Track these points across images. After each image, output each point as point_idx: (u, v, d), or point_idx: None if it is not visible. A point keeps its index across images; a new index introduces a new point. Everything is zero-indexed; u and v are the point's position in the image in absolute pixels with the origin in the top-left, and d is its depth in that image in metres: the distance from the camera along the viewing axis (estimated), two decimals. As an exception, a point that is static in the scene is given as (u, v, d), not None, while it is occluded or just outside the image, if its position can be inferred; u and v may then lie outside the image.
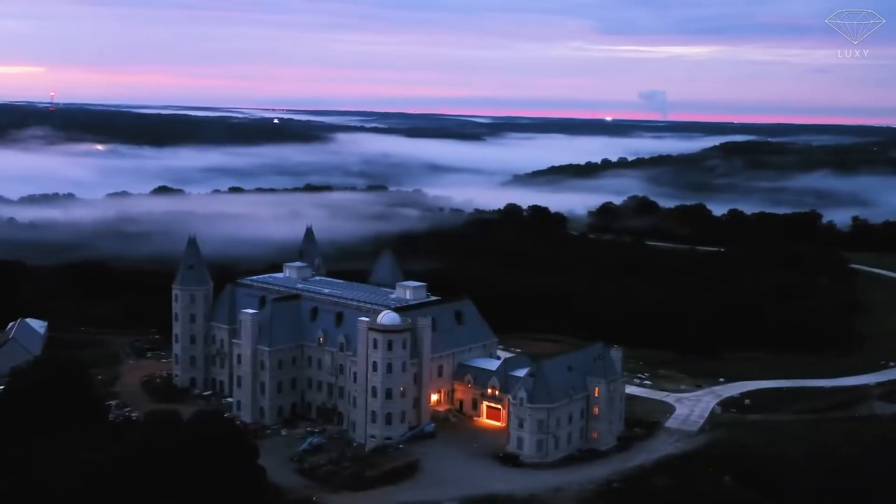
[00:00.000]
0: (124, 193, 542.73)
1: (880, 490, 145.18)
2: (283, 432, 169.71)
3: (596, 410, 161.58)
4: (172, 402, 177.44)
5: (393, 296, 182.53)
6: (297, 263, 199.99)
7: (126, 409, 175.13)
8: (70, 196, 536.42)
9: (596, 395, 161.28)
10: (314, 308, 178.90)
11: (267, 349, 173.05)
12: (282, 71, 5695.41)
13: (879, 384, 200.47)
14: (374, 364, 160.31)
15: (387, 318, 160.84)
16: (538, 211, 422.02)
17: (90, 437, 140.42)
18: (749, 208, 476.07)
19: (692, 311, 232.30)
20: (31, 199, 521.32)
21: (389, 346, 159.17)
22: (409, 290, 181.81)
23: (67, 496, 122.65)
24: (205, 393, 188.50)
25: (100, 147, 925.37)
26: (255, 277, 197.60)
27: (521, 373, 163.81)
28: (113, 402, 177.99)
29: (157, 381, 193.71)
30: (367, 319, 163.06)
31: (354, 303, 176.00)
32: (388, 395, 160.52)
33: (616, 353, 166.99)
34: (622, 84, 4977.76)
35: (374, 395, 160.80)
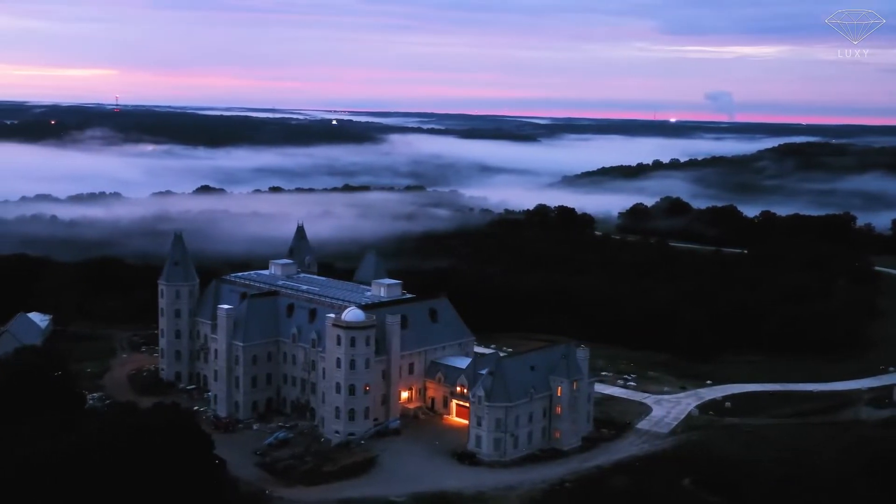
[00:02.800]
0: (168, 193, 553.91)
1: (839, 493, 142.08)
2: (255, 426, 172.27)
3: (559, 410, 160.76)
4: (155, 395, 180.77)
5: (369, 293, 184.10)
6: (283, 261, 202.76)
7: (108, 402, 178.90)
8: (116, 195, 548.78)
9: (559, 394, 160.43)
10: (290, 305, 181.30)
11: (241, 344, 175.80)
12: (346, 73, 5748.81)
13: (871, 389, 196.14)
14: (338, 360, 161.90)
15: (350, 314, 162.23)
16: (565, 212, 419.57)
17: (55, 427, 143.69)
18: (792, 210, 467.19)
19: (690, 313, 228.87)
20: (77, 198, 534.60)
21: (352, 342, 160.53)
22: (383, 288, 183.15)
23: (10, 483, 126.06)
24: (188, 387, 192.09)
25: (152, 147, 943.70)
26: (239, 274, 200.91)
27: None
28: (96, 395, 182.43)
29: (144, 374, 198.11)
30: (333, 316, 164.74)
31: (328, 300, 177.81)
32: (352, 391, 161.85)
33: (582, 353, 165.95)
34: (688, 85, 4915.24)
35: (338, 391, 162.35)
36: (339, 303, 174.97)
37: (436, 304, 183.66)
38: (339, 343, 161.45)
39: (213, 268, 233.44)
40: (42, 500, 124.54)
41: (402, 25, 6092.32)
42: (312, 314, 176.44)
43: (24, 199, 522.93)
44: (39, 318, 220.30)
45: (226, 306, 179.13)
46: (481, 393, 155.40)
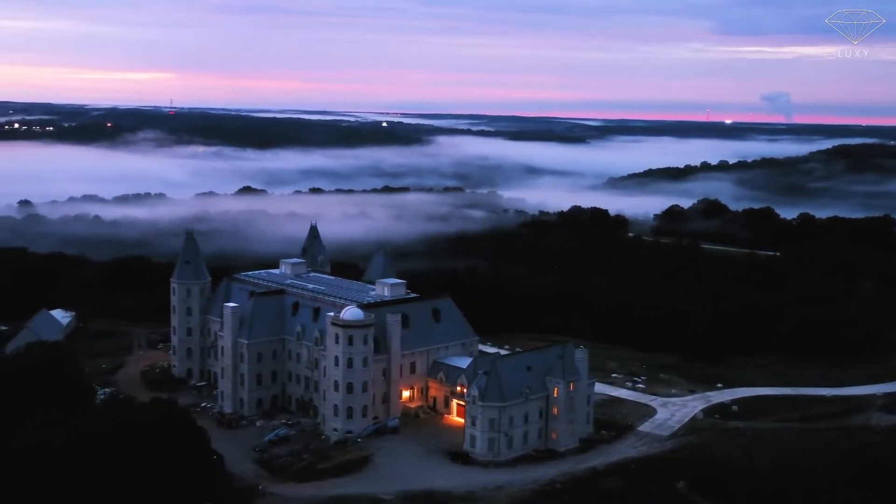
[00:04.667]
0: (210, 194, 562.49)
1: (830, 499, 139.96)
2: (258, 423, 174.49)
3: (555, 411, 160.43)
4: (166, 391, 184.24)
5: (373, 292, 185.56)
6: (293, 260, 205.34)
7: (120, 397, 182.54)
8: (161, 196, 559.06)
9: (555, 395, 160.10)
10: (295, 303, 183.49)
11: (246, 342, 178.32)
12: (400, 75, 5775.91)
13: (886, 395, 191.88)
14: (336, 358, 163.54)
15: (348, 313, 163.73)
16: (597, 214, 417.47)
17: (50, 420, 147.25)
18: (837, 212, 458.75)
19: (702, 315, 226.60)
20: (123, 199, 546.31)
21: (350, 340, 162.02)
22: (387, 287, 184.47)
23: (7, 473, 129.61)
24: (199, 384, 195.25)
25: (202, 149, 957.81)
26: (250, 273, 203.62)
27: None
28: (107, 390, 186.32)
29: (157, 371, 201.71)
30: (333, 315, 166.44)
31: (331, 299, 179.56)
32: (350, 389, 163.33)
33: (581, 354, 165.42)
34: (744, 86, 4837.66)
35: (336, 389, 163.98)
36: (343, 302, 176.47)
37: (439, 303, 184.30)
38: (337, 341, 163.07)
39: (237, 267, 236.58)
40: (31, 492, 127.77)
41: (459, 28, 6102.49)
42: (316, 313, 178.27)
43: (71, 199, 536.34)
44: (61, 315, 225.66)
45: (231, 304, 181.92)
46: (475, 393, 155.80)
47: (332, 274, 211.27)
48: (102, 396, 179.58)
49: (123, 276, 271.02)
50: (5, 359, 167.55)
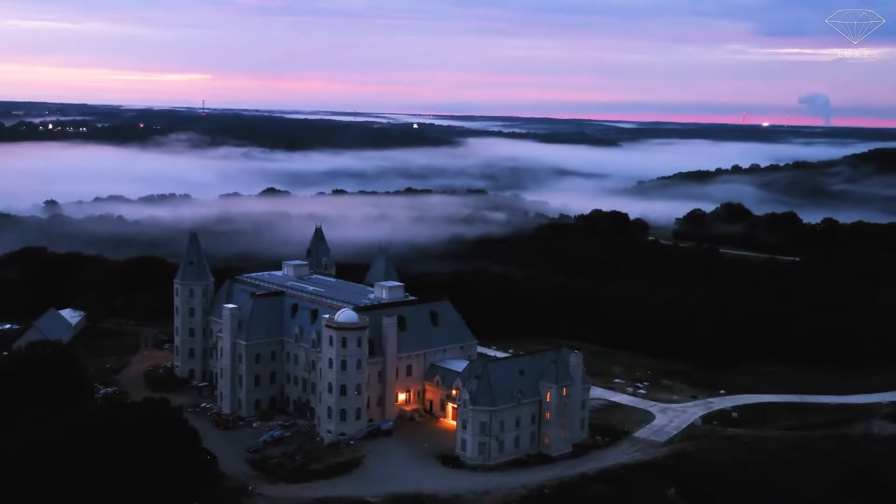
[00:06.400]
0: (235, 195, 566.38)
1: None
2: (255, 424, 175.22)
3: (548, 415, 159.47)
4: (167, 391, 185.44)
5: (372, 295, 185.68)
6: (295, 262, 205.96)
7: (115, 396, 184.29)
8: (186, 196, 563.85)
9: (548, 399, 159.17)
10: (294, 305, 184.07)
11: (244, 343, 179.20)
12: (436, 76, 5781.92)
13: (891, 403, 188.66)
14: (330, 360, 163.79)
15: (342, 315, 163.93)
16: (617, 217, 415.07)
17: (40, 418, 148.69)
18: (866, 217, 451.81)
19: (709, 321, 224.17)
20: (148, 199, 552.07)
21: (344, 343, 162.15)
22: (385, 290, 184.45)
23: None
24: (201, 384, 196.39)
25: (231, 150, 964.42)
26: (252, 274, 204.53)
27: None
28: (109, 389, 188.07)
29: (160, 371, 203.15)
30: (327, 317, 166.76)
31: (329, 301, 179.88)
32: (343, 391, 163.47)
33: (575, 359, 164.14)
34: (783, 88, 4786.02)
35: (330, 391, 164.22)
36: (340, 304, 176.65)
37: (437, 306, 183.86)
38: (331, 343, 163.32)
39: (254, 268, 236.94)
40: (18, 487, 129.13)
41: (495, 29, 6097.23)
42: (314, 315, 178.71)
43: (97, 199, 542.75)
44: (70, 315, 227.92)
45: (230, 305, 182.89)
46: (466, 396, 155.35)
47: (337, 276, 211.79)
48: (103, 396, 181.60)
49: (136, 276, 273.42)
50: (5, 357, 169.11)
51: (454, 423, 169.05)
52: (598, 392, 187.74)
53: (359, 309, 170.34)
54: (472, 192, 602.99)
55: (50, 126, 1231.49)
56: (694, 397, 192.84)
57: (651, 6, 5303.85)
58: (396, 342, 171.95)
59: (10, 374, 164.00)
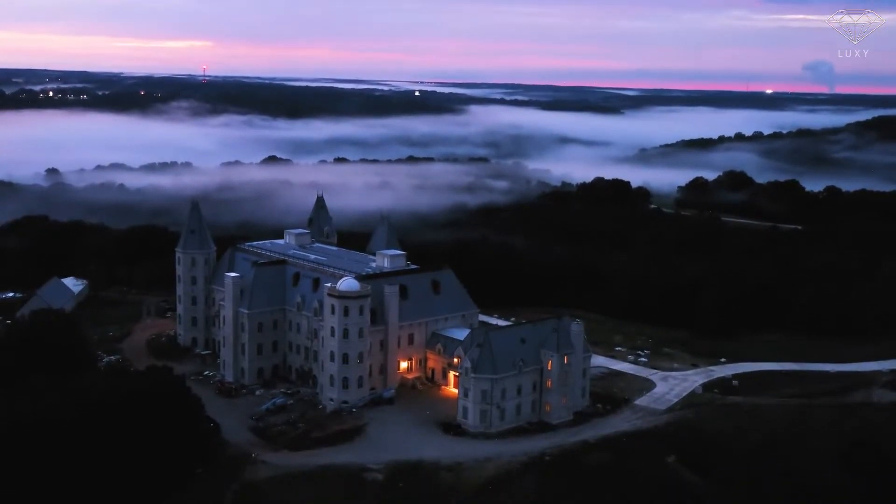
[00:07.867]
0: (236, 163, 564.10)
1: (810, 476, 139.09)
2: (258, 392, 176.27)
3: (549, 383, 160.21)
4: (170, 359, 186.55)
5: (374, 264, 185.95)
6: (297, 230, 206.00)
7: (120, 364, 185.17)
8: (187, 165, 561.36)
9: (549, 368, 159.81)
10: (296, 273, 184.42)
11: (246, 311, 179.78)
12: (439, 44, 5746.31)
13: (891, 371, 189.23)
14: (332, 329, 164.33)
15: (344, 284, 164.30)
16: (619, 185, 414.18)
17: (43, 387, 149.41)
18: (869, 184, 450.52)
19: (710, 290, 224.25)
20: (150, 168, 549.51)
21: (346, 311, 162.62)
22: (386, 259, 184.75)
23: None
24: (203, 352, 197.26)
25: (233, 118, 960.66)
26: (254, 243, 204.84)
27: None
28: (112, 357, 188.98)
29: (163, 339, 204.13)
30: (330, 285, 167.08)
31: (331, 269, 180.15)
32: (345, 359, 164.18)
33: (577, 327, 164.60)
34: (788, 55, 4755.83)
35: (332, 359, 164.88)
36: (342, 272, 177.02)
37: (439, 275, 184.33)
38: (333, 312, 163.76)
39: (255, 236, 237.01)
40: (20, 458, 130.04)
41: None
42: (316, 283, 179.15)
43: (98, 167, 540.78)
44: (73, 283, 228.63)
45: (232, 274, 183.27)
46: (468, 364, 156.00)
47: (338, 244, 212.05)
48: (106, 364, 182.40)
49: (138, 245, 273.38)
50: (8, 326, 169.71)
51: (456, 391, 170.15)
52: (599, 360, 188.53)
53: (360, 277, 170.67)
54: (473, 160, 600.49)
55: (50, 94, 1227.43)
56: (695, 365, 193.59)
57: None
58: (398, 311, 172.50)
59: (13, 342, 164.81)
